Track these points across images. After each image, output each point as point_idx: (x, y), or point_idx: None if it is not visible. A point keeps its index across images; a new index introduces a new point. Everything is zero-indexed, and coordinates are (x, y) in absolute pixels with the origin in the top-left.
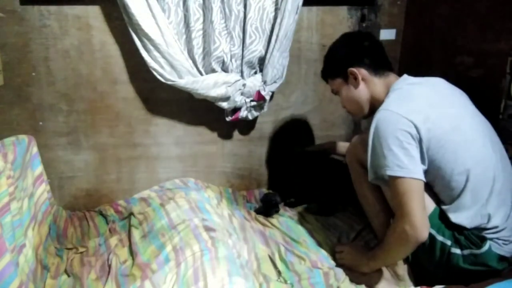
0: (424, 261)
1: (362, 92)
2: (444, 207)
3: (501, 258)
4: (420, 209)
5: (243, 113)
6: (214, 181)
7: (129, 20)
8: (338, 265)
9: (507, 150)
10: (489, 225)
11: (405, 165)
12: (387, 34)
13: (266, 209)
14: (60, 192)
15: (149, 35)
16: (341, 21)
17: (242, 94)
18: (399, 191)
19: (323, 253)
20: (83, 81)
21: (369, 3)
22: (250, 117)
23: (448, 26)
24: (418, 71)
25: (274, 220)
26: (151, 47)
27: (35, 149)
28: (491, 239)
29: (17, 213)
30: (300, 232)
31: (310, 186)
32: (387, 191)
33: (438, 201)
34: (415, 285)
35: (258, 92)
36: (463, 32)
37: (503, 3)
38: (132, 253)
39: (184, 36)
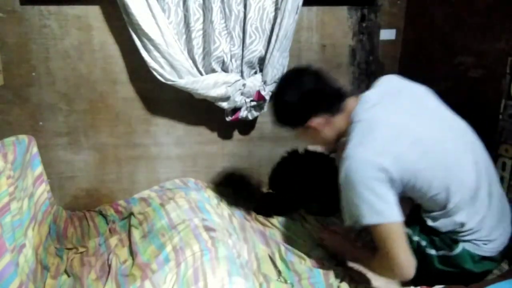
0: None
1: (326, 134)
2: (422, 214)
3: (483, 258)
4: (404, 251)
5: (243, 113)
6: (214, 181)
7: (129, 20)
8: (319, 244)
9: (507, 150)
10: (464, 229)
11: (381, 211)
12: (387, 34)
13: (266, 209)
14: (60, 192)
15: (149, 35)
16: (341, 21)
17: (242, 94)
18: (381, 237)
19: (323, 253)
20: (83, 81)
21: (369, 3)
22: (250, 117)
23: (448, 26)
24: (418, 71)
25: (274, 220)
26: (151, 47)
27: (35, 149)
28: (467, 241)
29: (17, 213)
30: (300, 232)
31: (311, 186)
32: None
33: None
34: (415, 285)
35: (258, 92)
36: (463, 32)
37: (503, 3)
38: (132, 253)
39: (184, 36)
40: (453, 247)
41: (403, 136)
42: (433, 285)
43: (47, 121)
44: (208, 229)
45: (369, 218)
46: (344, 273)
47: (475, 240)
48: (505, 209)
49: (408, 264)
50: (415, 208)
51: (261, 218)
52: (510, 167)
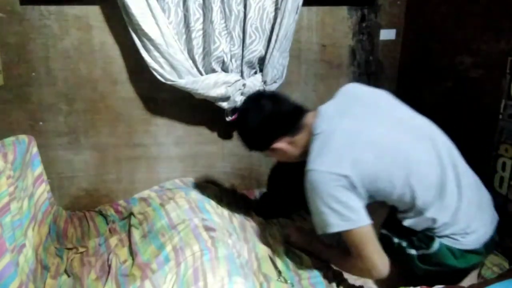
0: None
1: (292, 153)
2: (398, 215)
3: (465, 252)
4: (377, 252)
5: None
6: (214, 181)
7: (129, 20)
8: (287, 242)
9: (507, 150)
10: (437, 224)
11: (348, 217)
12: (387, 34)
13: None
14: (60, 192)
15: (149, 35)
16: (341, 21)
17: (242, 94)
18: (353, 242)
19: None
20: (83, 81)
21: (369, 3)
22: None
23: (448, 26)
24: (418, 71)
25: (274, 220)
26: (151, 47)
27: (35, 149)
28: (443, 236)
29: (17, 213)
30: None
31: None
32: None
33: (392, 208)
34: (414, 285)
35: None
36: (463, 32)
37: (503, 3)
38: (132, 253)
39: (184, 36)
40: (430, 245)
41: (358, 141)
42: (433, 285)
43: (47, 121)
44: (208, 229)
45: (337, 226)
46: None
47: (451, 234)
48: (483, 198)
49: (382, 263)
50: (392, 210)
51: (261, 218)
52: (510, 167)
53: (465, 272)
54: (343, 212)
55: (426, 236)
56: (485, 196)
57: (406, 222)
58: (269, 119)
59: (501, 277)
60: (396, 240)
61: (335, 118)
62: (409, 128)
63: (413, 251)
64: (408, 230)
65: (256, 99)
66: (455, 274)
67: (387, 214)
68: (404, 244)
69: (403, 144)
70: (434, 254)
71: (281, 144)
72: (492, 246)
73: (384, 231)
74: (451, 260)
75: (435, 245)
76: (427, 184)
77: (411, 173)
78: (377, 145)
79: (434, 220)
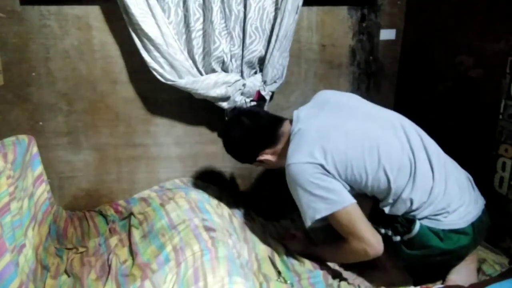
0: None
1: (278, 161)
2: (379, 204)
3: (450, 232)
4: (368, 229)
5: None
6: (214, 181)
7: (129, 20)
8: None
9: (506, 150)
10: (414, 206)
11: (332, 200)
12: (387, 34)
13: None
14: (60, 192)
15: (149, 35)
16: (341, 21)
17: (242, 94)
18: (342, 223)
19: None
20: (83, 81)
21: (369, 3)
22: None
23: (448, 26)
24: (418, 71)
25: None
26: (151, 47)
27: (35, 149)
28: (424, 217)
29: (17, 213)
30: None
31: None
32: (331, 222)
33: (375, 200)
34: (414, 284)
35: (258, 92)
36: (463, 32)
37: (503, 3)
38: (132, 253)
39: (184, 36)
40: (412, 228)
41: (330, 133)
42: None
43: (47, 121)
44: (208, 229)
45: (324, 210)
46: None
47: (432, 215)
48: (460, 179)
49: (375, 239)
50: (375, 204)
51: (261, 218)
52: (510, 167)
53: (456, 256)
54: (326, 195)
55: (407, 220)
56: (463, 176)
57: (387, 210)
58: (249, 135)
59: (501, 276)
60: (382, 230)
61: (310, 119)
62: (377, 118)
63: (398, 238)
64: (391, 218)
65: (236, 117)
66: (447, 256)
67: (370, 207)
68: (389, 233)
69: (372, 132)
70: (417, 237)
71: (266, 156)
72: (483, 228)
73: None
74: (435, 241)
75: (416, 227)
76: (399, 166)
77: (380, 157)
78: (348, 135)
79: (411, 201)
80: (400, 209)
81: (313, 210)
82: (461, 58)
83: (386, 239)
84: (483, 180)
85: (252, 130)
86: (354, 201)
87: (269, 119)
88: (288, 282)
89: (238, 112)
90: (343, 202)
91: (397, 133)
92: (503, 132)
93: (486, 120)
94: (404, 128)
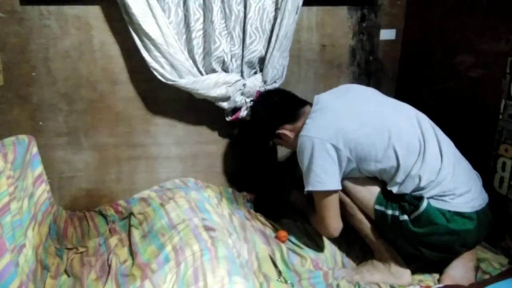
0: (390, 237)
1: (294, 140)
2: (388, 186)
3: (456, 214)
4: (334, 216)
5: (243, 113)
6: (214, 181)
7: (129, 20)
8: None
9: (507, 150)
10: (423, 183)
11: (322, 179)
12: (387, 34)
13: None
14: (60, 192)
15: (150, 35)
16: (341, 21)
17: (242, 94)
18: (318, 201)
19: (324, 254)
20: (83, 81)
21: (369, 3)
22: (250, 117)
23: (448, 26)
24: (418, 71)
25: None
26: (151, 47)
27: (35, 149)
28: (432, 197)
29: (17, 213)
30: (301, 232)
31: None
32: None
33: (383, 184)
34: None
35: (258, 92)
36: (463, 32)
37: (503, 3)
38: (132, 253)
39: (184, 36)
40: (419, 205)
41: (343, 113)
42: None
43: (47, 121)
44: (208, 228)
45: (312, 186)
46: (343, 273)
47: (439, 195)
48: (466, 169)
49: (335, 227)
50: (383, 189)
51: (261, 217)
52: (510, 167)
53: (459, 240)
54: (320, 173)
55: (414, 197)
56: (472, 171)
57: (395, 189)
58: (274, 107)
59: (500, 276)
60: (389, 212)
61: (328, 102)
62: (393, 106)
63: (405, 217)
64: (398, 197)
65: (267, 92)
66: (452, 237)
67: (378, 191)
68: (397, 213)
69: (385, 115)
70: (424, 213)
71: (285, 131)
72: (486, 220)
73: (377, 207)
74: (442, 219)
75: (424, 204)
76: (408, 145)
77: (392, 136)
78: (361, 116)
79: (419, 178)
80: (408, 187)
81: (307, 182)
82: (461, 58)
83: (393, 220)
84: (483, 180)
85: (278, 104)
86: (338, 188)
87: (294, 99)
88: (289, 282)
89: (269, 90)
90: (328, 185)
91: (410, 119)
92: (503, 132)
93: (486, 120)
94: (418, 117)
